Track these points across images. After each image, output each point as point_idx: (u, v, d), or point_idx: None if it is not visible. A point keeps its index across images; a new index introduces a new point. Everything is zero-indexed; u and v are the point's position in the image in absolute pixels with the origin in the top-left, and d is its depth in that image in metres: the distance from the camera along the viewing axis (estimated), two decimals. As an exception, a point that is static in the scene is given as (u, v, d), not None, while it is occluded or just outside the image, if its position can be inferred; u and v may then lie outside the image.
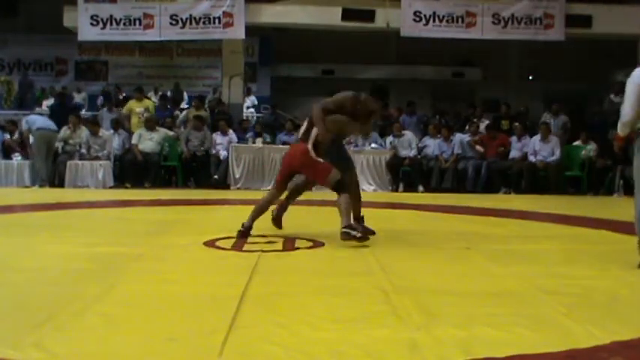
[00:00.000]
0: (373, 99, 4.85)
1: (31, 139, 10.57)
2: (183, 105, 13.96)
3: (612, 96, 12.50)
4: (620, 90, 12.40)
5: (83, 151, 10.73)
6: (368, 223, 5.51)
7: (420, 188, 10.68)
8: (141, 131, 11.12)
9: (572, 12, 12.64)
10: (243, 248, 4.46)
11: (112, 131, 11.37)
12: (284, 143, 11.26)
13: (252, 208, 7.62)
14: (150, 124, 11.15)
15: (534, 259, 4.20)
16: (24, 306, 2.85)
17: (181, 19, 12.57)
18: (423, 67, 17.42)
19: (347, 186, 4.78)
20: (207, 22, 12.56)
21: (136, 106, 12.00)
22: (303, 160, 4.78)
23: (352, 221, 4.74)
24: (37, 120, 10.75)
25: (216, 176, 10.79)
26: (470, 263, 4.08)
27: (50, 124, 10.69)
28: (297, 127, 12.54)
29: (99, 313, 2.68)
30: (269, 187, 10.52)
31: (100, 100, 14.92)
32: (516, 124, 11.97)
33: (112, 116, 12.04)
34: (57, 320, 2.56)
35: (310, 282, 3.39)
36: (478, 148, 10.95)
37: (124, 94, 14.46)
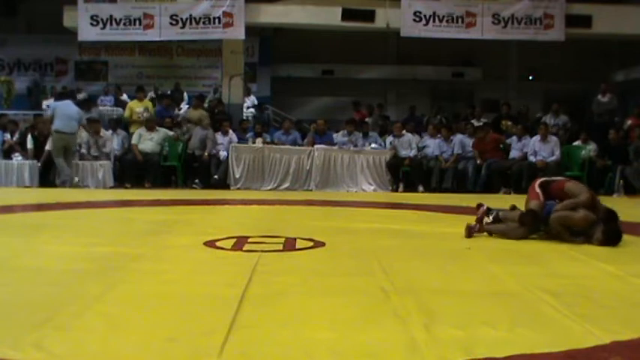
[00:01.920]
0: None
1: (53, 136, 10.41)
2: (183, 105, 13.95)
3: (599, 97, 12.54)
4: (607, 90, 12.52)
5: (83, 151, 10.73)
6: (368, 222, 5.51)
7: (420, 188, 10.68)
8: (141, 131, 11.12)
9: (572, 12, 12.66)
10: (244, 248, 4.46)
11: (110, 131, 11.37)
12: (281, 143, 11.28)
13: (253, 207, 7.67)
14: (150, 125, 11.15)
15: (534, 259, 4.20)
16: (24, 306, 2.85)
17: (181, 19, 12.58)
18: (423, 67, 17.41)
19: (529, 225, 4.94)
20: (207, 22, 12.57)
21: (136, 106, 12.00)
22: (533, 183, 5.23)
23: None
24: (57, 115, 10.24)
25: (216, 176, 10.80)
26: (470, 263, 4.07)
27: (68, 125, 10.23)
28: (298, 122, 12.57)
29: (99, 313, 2.68)
30: (269, 188, 10.59)
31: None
32: (509, 123, 12.01)
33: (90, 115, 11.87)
34: (57, 320, 2.55)
35: (310, 282, 3.39)
36: (479, 161, 10.89)
37: (124, 95, 14.46)
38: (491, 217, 5.19)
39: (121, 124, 12.06)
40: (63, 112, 10.29)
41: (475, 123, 11.90)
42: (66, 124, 10.22)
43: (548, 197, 5.01)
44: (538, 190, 5.04)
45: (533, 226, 4.96)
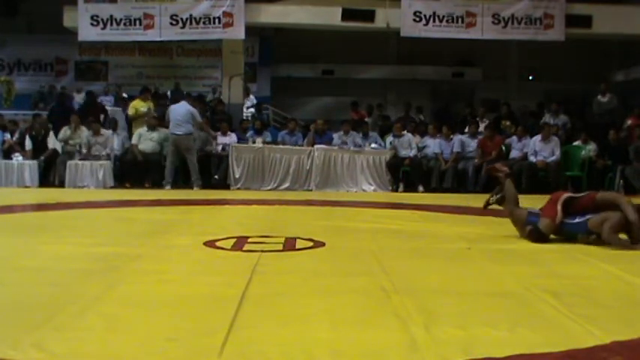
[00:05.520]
0: None
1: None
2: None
3: (599, 97, 12.55)
4: (607, 90, 12.52)
5: (84, 151, 10.72)
6: (368, 222, 5.50)
7: (420, 188, 10.67)
8: (141, 131, 11.11)
9: (572, 12, 12.64)
10: (244, 248, 4.46)
11: (111, 131, 11.36)
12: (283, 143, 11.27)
13: (253, 207, 7.68)
14: (152, 123, 11.14)
15: (534, 259, 4.20)
16: (24, 306, 2.85)
17: (181, 19, 12.58)
18: (423, 67, 17.42)
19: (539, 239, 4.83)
20: (207, 22, 12.56)
21: (140, 106, 11.98)
22: (556, 197, 4.94)
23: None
24: (171, 118, 10.43)
25: (216, 176, 10.80)
26: (470, 263, 4.08)
27: (179, 127, 10.31)
28: (306, 127, 12.57)
29: (99, 313, 2.68)
30: (269, 188, 10.59)
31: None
32: (507, 122, 12.02)
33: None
34: (57, 320, 2.56)
35: (310, 282, 3.39)
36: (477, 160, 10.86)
37: (125, 95, 14.49)
38: (494, 198, 5.25)
39: (125, 123, 12.11)
40: (174, 114, 10.50)
41: (480, 123, 11.88)
42: (176, 125, 10.39)
43: (573, 213, 4.78)
44: (559, 207, 4.78)
45: (538, 242, 4.84)
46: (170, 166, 10.51)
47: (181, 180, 11.08)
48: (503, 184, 5.28)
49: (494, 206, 5.40)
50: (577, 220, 4.74)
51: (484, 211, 5.52)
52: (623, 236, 4.66)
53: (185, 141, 10.43)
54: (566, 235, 4.82)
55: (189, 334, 2.41)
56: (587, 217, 4.70)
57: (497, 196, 5.32)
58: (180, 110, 10.56)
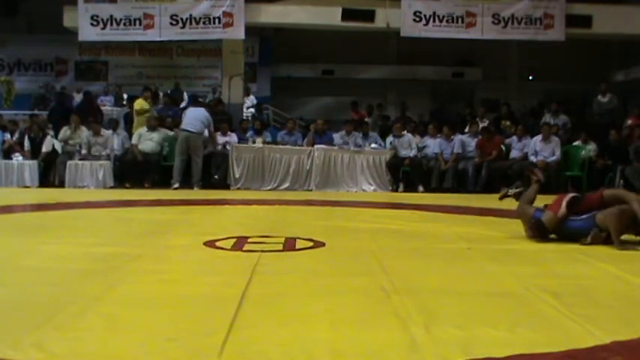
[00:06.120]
0: None
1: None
2: (183, 105, 13.96)
3: (600, 97, 12.55)
4: (607, 90, 12.52)
5: (84, 151, 10.72)
6: (368, 222, 5.50)
7: (420, 188, 10.67)
8: (141, 131, 11.12)
9: (572, 12, 12.64)
10: (244, 248, 4.46)
11: (111, 131, 11.37)
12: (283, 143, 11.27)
13: (253, 207, 7.68)
14: (153, 123, 11.14)
15: (534, 259, 4.20)
16: (24, 306, 2.85)
17: (181, 19, 12.58)
18: (423, 67, 17.41)
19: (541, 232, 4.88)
20: (207, 22, 12.56)
21: (144, 104, 11.98)
22: (563, 196, 5.01)
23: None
24: (186, 117, 10.64)
25: (216, 176, 10.79)
26: (470, 263, 4.08)
27: (193, 125, 10.41)
28: (306, 127, 12.57)
29: (99, 313, 2.68)
30: (269, 188, 10.59)
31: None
32: (507, 122, 12.01)
33: None
34: (57, 320, 2.56)
35: (310, 282, 3.39)
36: (477, 160, 10.86)
37: (125, 95, 14.49)
38: (513, 190, 5.37)
39: (123, 122, 12.09)
40: (191, 114, 10.68)
41: (480, 123, 11.88)
42: (190, 123, 10.48)
43: (579, 211, 4.80)
44: (564, 203, 4.81)
45: (539, 236, 4.88)
46: (180, 165, 10.48)
47: (182, 180, 11.08)
48: (530, 185, 5.34)
49: (502, 204, 5.43)
50: (584, 216, 4.75)
51: (484, 211, 5.53)
52: (630, 237, 4.66)
53: (195, 139, 10.47)
54: (571, 234, 4.81)
55: (189, 334, 2.41)
56: (594, 212, 4.70)
57: (517, 190, 5.34)
58: (198, 114, 10.69)
